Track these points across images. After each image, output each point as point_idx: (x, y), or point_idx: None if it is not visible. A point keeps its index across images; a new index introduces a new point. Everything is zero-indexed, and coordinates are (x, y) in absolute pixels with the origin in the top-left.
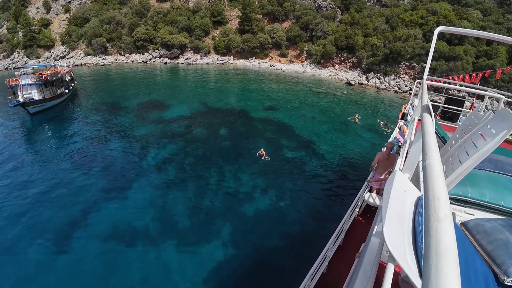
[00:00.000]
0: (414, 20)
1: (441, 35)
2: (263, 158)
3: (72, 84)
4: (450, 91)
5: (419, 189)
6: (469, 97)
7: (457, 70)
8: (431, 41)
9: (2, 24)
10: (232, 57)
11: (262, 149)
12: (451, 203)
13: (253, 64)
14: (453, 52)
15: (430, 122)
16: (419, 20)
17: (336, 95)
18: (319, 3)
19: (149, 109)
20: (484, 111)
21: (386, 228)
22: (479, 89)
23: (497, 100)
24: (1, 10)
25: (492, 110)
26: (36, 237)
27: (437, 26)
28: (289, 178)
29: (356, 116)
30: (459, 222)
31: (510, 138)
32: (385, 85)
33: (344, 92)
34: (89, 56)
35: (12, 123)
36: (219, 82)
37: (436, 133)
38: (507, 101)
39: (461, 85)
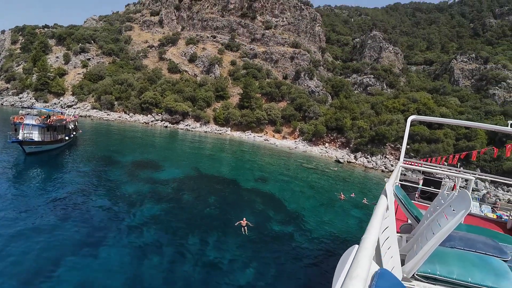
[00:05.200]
0: (396, 107)
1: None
2: (244, 228)
3: (74, 133)
4: (427, 173)
5: (380, 264)
6: (449, 179)
7: (439, 152)
8: (413, 125)
9: (20, 63)
10: (229, 128)
11: (244, 219)
12: (420, 280)
13: (249, 137)
14: (433, 135)
15: (383, 204)
16: (401, 107)
17: (325, 172)
18: (312, 89)
19: (141, 168)
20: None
21: None
22: (451, 170)
23: (467, 180)
24: (22, 50)
25: (455, 191)
26: None
27: (418, 112)
28: (273, 253)
29: (354, 194)
30: None
31: (493, 216)
32: (372, 164)
33: (335, 169)
34: (95, 110)
35: (5, 159)
36: (214, 150)
37: (410, 213)
38: (491, 180)
39: (435, 168)
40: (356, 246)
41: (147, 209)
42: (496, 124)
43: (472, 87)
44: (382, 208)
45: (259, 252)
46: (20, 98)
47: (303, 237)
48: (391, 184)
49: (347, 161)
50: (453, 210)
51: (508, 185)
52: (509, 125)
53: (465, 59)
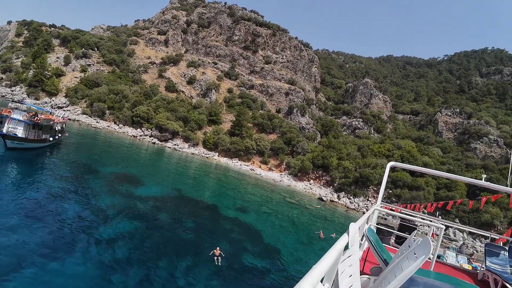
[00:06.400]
0: (381, 151)
1: None
2: (217, 258)
3: (60, 135)
4: (405, 219)
5: None
6: (428, 227)
7: (420, 199)
8: (396, 171)
9: (19, 56)
10: (217, 154)
11: (217, 248)
12: None
13: (235, 164)
14: (415, 182)
15: (343, 240)
16: (386, 152)
17: (307, 208)
18: (303, 125)
19: (122, 181)
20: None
21: None
22: (425, 218)
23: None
24: (24, 44)
25: (421, 238)
26: None
27: (401, 158)
28: (245, 287)
29: (335, 234)
30: None
31: (469, 267)
32: (354, 205)
33: (318, 206)
34: (85, 115)
35: None
36: (199, 173)
37: (379, 255)
38: (469, 232)
39: (410, 214)
40: (320, 284)
41: (120, 224)
42: (475, 177)
43: (454, 140)
44: (341, 244)
45: (229, 285)
46: (12, 90)
47: (277, 274)
48: (358, 225)
49: (330, 200)
50: (415, 255)
51: (485, 237)
52: (483, 179)
53: (449, 113)
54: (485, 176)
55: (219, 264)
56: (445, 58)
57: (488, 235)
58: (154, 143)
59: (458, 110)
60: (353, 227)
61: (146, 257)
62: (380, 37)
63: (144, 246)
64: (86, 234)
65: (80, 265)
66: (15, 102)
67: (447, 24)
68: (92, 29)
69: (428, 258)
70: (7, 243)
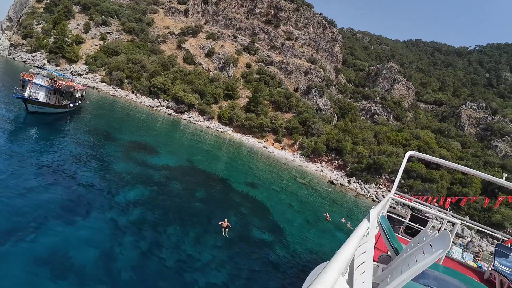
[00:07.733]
0: (398, 140)
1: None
2: (225, 230)
3: (80, 102)
4: (416, 210)
5: (351, 286)
6: (436, 220)
7: (432, 192)
8: (411, 161)
9: (40, 22)
10: (231, 129)
11: (225, 220)
12: None
13: (249, 141)
14: (430, 174)
15: (363, 227)
16: (403, 141)
17: (317, 190)
18: (320, 106)
19: (137, 149)
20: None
21: None
22: (439, 211)
23: (453, 224)
24: (45, 10)
25: (438, 230)
26: None
27: (418, 149)
28: (250, 259)
29: (344, 219)
30: None
31: (474, 265)
32: (364, 192)
33: (328, 189)
34: (104, 84)
35: (5, 113)
36: (212, 147)
37: (390, 244)
38: (478, 230)
39: (425, 205)
40: (327, 262)
41: (134, 190)
42: (492, 176)
43: (476, 135)
44: (362, 230)
45: (235, 256)
46: (33, 56)
47: (281, 249)
48: (376, 212)
49: (340, 184)
50: (432, 249)
51: (493, 238)
52: (503, 178)
53: (474, 107)
54: (506, 175)
55: (226, 235)
56: (477, 48)
57: (500, 236)
58: (170, 114)
59: (483, 104)
60: (373, 213)
61: (156, 223)
62: (411, 18)
63: (155, 212)
64: (102, 196)
65: (94, 226)
66: (37, 67)
67: (482, 11)
68: None
69: None
70: (26, 203)
